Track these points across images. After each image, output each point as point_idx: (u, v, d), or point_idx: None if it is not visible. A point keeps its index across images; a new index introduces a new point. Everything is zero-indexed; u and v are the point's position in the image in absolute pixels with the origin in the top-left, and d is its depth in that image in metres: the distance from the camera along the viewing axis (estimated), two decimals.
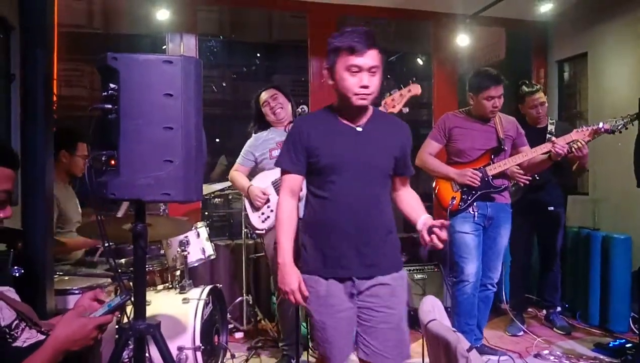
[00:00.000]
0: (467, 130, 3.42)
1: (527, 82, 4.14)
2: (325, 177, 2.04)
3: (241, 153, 3.49)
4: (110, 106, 1.64)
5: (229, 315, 3.67)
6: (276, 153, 3.27)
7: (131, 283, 1.99)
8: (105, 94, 1.63)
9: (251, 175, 3.47)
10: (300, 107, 2.88)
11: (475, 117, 3.43)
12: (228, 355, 3.27)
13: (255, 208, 3.33)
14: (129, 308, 1.83)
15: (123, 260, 3.24)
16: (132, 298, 1.74)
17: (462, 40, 4.77)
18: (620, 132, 3.26)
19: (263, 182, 3.35)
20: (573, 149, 3.26)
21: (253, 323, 3.93)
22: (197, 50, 4.37)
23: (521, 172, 3.43)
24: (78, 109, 5.97)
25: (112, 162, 1.65)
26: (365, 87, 1.97)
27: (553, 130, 3.90)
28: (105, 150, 1.65)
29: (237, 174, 3.46)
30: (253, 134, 3.51)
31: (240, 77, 7.90)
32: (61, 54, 4.06)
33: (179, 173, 1.64)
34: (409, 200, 2.21)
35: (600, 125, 3.26)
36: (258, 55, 7.90)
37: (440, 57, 5.09)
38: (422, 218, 2.09)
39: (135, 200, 1.74)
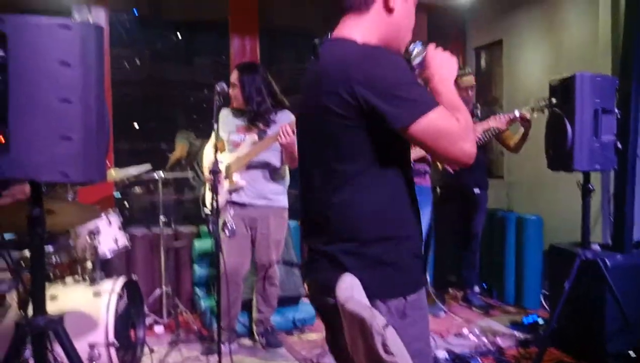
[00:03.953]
0: None
1: (460, 65, 4.19)
2: (406, 146, 1.39)
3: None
4: None
5: (146, 309, 3.47)
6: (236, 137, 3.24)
7: None
8: None
9: None
10: (219, 83, 2.73)
11: None
12: (147, 350, 3.09)
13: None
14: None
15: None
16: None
17: None
18: (540, 112, 3.20)
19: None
20: (489, 136, 3.36)
21: (173, 316, 3.75)
22: (107, 25, 4.05)
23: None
24: None
25: (1, 138, 1.47)
26: None
27: (479, 114, 3.98)
28: None
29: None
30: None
31: (159, 56, 7.48)
32: None
33: (78, 150, 1.48)
34: None
35: (516, 113, 3.35)
36: (178, 33, 7.51)
37: None
38: None
39: (30, 180, 1.56)
